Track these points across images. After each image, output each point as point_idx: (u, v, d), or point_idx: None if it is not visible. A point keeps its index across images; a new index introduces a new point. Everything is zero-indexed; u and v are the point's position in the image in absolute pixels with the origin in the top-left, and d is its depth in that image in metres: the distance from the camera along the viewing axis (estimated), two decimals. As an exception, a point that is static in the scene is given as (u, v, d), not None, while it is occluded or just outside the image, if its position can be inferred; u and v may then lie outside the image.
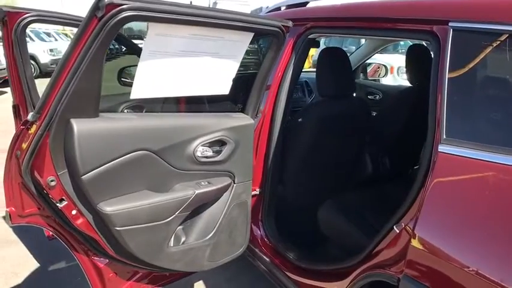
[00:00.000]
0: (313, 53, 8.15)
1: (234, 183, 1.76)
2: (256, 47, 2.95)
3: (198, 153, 1.56)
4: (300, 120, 2.07)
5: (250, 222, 1.94)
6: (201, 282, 2.54)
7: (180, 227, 1.67)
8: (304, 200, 2.24)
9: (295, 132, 2.10)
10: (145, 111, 1.82)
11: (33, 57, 9.59)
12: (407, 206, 1.30)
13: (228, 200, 1.75)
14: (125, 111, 1.89)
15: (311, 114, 2.08)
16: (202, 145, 1.56)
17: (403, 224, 1.29)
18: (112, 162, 1.29)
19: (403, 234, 1.26)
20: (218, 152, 1.64)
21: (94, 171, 1.25)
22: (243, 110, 1.80)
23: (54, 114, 1.16)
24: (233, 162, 1.71)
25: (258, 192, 2.08)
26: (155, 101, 1.68)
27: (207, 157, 1.60)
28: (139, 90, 1.34)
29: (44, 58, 10.26)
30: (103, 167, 1.27)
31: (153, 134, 1.39)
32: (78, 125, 1.20)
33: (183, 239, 1.67)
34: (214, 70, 1.52)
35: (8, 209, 1.33)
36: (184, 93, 1.49)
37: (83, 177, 1.24)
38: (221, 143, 1.65)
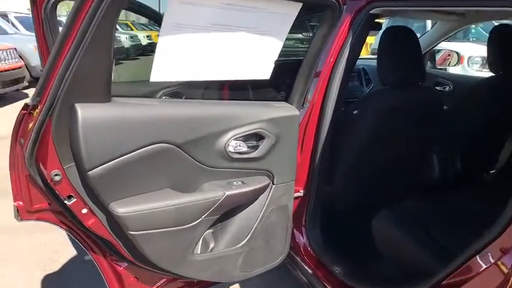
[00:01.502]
0: (372, 41, 7.57)
1: (273, 184, 1.51)
2: (311, 35, 2.64)
3: (230, 148, 1.32)
4: (355, 112, 1.76)
5: (291, 228, 1.68)
6: (236, 286, 2.34)
7: (209, 231, 1.46)
8: (356, 206, 1.93)
9: (349, 125, 1.79)
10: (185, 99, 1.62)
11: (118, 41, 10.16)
12: (498, 230, 0.97)
13: (265, 203, 1.51)
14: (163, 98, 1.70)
15: (369, 105, 1.75)
16: (235, 139, 1.32)
17: (491, 254, 0.96)
18: (126, 156, 1.09)
19: (492, 270, 0.93)
20: (254, 148, 1.39)
21: (103, 166, 1.06)
22: (286, 99, 1.54)
23: (55, 98, 0.98)
24: (272, 159, 1.45)
25: (301, 194, 1.81)
26: (196, 86, 1.46)
27: (240, 153, 1.36)
28: (160, 72, 1.12)
29: (126, 43, 10.75)
30: (114, 161, 1.08)
31: (176, 124, 1.17)
32: (83, 111, 1.00)
33: (211, 246, 1.45)
34: (252, 49, 1.27)
35: (15, 204, 1.18)
36: (214, 77, 1.25)
37: (89, 172, 1.05)
38: (258, 137, 1.40)
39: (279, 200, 1.56)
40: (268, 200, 1.51)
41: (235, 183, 1.38)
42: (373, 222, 1.69)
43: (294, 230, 1.85)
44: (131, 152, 1.10)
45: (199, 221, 1.31)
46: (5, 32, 7.79)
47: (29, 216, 1.22)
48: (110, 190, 1.12)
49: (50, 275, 2.39)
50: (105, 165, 1.07)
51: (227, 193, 1.33)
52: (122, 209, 1.13)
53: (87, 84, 0.99)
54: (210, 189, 1.32)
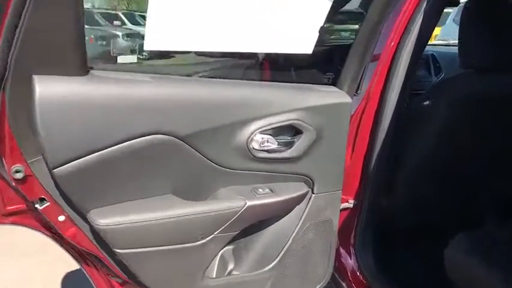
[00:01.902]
0: (438, 32, 6.81)
1: (313, 192, 1.17)
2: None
3: (255, 145, 1.00)
4: (426, 103, 1.36)
5: (335, 248, 1.33)
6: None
7: (228, 248, 1.15)
8: (421, 225, 1.53)
9: (417, 121, 1.39)
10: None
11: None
12: None
13: (301, 216, 1.17)
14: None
15: (446, 94, 1.34)
16: (261, 132, 1.00)
17: None
18: (108, 151, 0.81)
19: None
20: (288, 145, 1.05)
21: (74, 162, 0.78)
22: (334, 83, 1.18)
23: (6, 66, 0.71)
24: (312, 161, 1.11)
25: (351, 205, 1.44)
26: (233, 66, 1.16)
27: (268, 151, 1.03)
28: (157, 39, 0.82)
29: None
30: (91, 156, 0.80)
31: (180, 109, 0.87)
32: (42, 86, 0.73)
33: (230, 268, 1.14)
34: (286, 11, 0.93)
35: (-15, 204, 0.95)
36: (235, 48, 0.94)
37: (55, 170, 0.78)
38: (294, 130, 1.06)
39: (321, 214, 1.21)
40: (305, 213, 1.17)
41: (261, 190, 1.05)
42: (445, 250, 1.28)
43: (340, 249, 1.49)
44: (115, 145, 0.82)
45: (211, 238, 1.01)
46: None
47: (3, 220, 0.98)
48: (87, 194, 0.84)
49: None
50: (77, 161, 0.79)
51: (249, 203, 1.01)
52: (104, 219, 0.85)
53: (49, 48, 0.72)
54: (226, 197, 1.01)
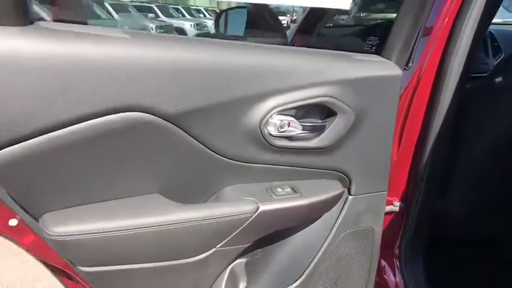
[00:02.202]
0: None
1: (350, 194, 0.90)
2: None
3: (272, 130, 0.74)
4: (498, 79, 1.04)
5: (377, 263, 1.06)
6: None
7: (240, 262, 0.90)
8: (487, 233, 1.22)
9: (485, 104, 1.08)
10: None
11: (181, 30, 9.99)
12: None
13: (334, 224, 0.91)
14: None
15: None
16: (280, 113, 0.73)
17: None
18: (60, 132, 0.58)
19: None
20: (317, 130, 0.79)
21: (10, 148, 0.55)
22: (378, 51, 0.90)
23: None
24: (350, 152, 0.84)
25: (396, 208, 1.16)
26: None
27: (290, 138, 0.76)
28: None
29: (190, 32, 10.92)
30: (34, 140, 0.56)
31: (166, 77, 0.62)
32: None
33: (241, 286, 0.89)
34: None
35: None
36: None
37: None
38: (325, 111, 0.79)
39: (359, 220, 0.94)
40: (339, 220, 0.91)
41: (279, 190, 0.79)
42: None
43: (381, 262, 1.21)
44: (71, 125, 0.58)
45: (212, 253, 0.76)
46: None
47: None
48: (35, 192, 0.62)
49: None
50: (15, 146, 0.56)
51: (263, 207, 0.75)
52: (59, 227, 0.62)
53: None
54: (232, 199, 0.76)
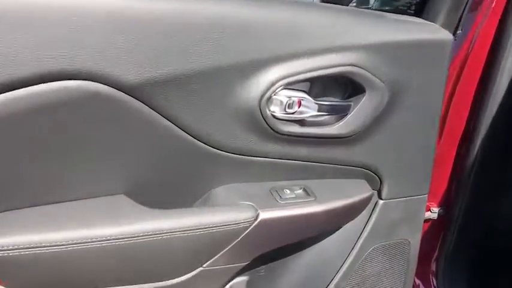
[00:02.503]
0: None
1: (381, 197, 0.70)
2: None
3: (276, 109, 0.55)
4: None
5: (412, 283, 0.86)
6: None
7: (241, 280, 0.71)
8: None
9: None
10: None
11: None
12: None
13: (360, 236, 0.71)
14: None
15: None
16: (287, 87, 0.54)
17: None
18: None
19: None
20: (337, 112, 0.59)
21: None
22: (419, 12, 0.69)
23: None
24: (381, 143, 0.64)
25: (435, 215, 0.95)
26: None
27: (302, 122, 0.57)
28: None
29: None
30: None
31: (126, 31, 0.44)
32: None
33: None
34: None
35: None
36: None
37: None
38: (349, 86, 0.59)
39: (392, 231, 0.74)
40: (367, 231, 0.71)
41: (287, 191, 0.60)
42: None
43: (414, 279, 1.00)
44: None
45: (196, 273, 0.57)
46: None
47: None
48: None
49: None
50: None
51: (264, 214, 0.56)
52: None
53: None
54: (224, 204, 0.57)
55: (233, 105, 0.52)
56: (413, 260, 0.81)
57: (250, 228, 0.55)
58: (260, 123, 0.54)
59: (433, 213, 0.95)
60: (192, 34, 0.47)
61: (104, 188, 0.52)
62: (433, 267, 1.01)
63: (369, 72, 0.57)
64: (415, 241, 0.78)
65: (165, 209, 0.54)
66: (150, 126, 0.49)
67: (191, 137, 0.52)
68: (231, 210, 0.55)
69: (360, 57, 0.56)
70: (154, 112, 0.49)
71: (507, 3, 0.79)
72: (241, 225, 0.54)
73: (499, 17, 0.80)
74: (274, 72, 0.52)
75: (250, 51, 0.50)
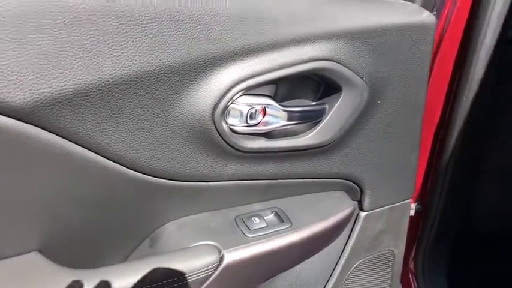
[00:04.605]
0: None
1: (362, 209, 0.60)
2: None
3: (234, 121, 0.42)
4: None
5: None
6: None
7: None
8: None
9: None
10: None
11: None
12: None
13: (341, 254, 0.61)
14: None
15: None
16: (248, 92, 0.42)
17: None
18: None
19: None
20: (310, 118, 0.48)
21: None
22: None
23: None
24: (360, 148, 0.54)
25: (412, 212, 0.88)
26: None
27: (268, 135, 0.45)
28: None
29: None
30: None
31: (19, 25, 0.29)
32: None
33: None
34: None
35: None
36: None
37: None
38: (321, 84, 0.48)
39: (376, 244, 0.65)
40: (349, 247, 0.61)
41: (255, 220, 0.48)
42: None
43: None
44: None
45: None
46: None
47: None
48: None
49: None
50: None
51: (229, 256, 0.44)
52: None
53: None
54: (176, 245, 0.44)
55: (178, 120, 0.39)
56: (398, 269, 0.73)
57: (213, 277, 0.43)
58: (216, 141, 0.42)
59: (411, 209, 0.88)
60: (109, 29, 0.33)
61: (12, 246, 0.38)
62: (412, 266, 0.95)
63: (345, 67, 0.46)
64: (399, 250, 0.70)
65: (95, 265, 0.40)
66: (63, 160, 0.35)
67: (124, 168, 0.39)
68: (187, 256, 0.42)
69: (335, 48, 0.45)
70: (67, 141, 0.35)
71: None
72: (201, 275, 0.42)
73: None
74: (229, 74, 0.40)
75: (196, 47, 0.37)
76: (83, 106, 0.34)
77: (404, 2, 0.56)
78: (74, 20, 0.32)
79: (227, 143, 0.42)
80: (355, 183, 0.58)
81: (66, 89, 0.32)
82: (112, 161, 0.38)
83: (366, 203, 0.60)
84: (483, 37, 0.71)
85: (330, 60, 0.45)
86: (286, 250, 0.48)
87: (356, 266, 0.64)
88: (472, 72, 0.74)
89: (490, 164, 0.91)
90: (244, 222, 0.47)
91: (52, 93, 0.32)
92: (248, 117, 0.42)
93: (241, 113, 0.42)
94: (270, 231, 0.47)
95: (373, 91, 0.50)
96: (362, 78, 0.48)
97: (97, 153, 0.37)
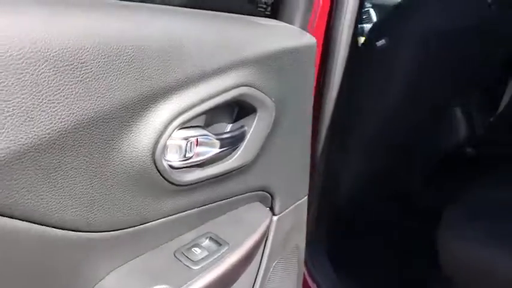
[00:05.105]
0: None
1: (274, 214, 0.65)
2: None
3: (173, 157, 0.41)
4: (381, 43, 0.94)
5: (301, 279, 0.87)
6: None
7: None
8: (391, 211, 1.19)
9: (371, 69, 0.98)
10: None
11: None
12: None
13: (261, 259, 0.65)
14: None
15: (408, 27, 0.94)
16: (183, 126, 0.41)
17: None
18: None
19: None
20: (237, 141, 0.50)
21: None
22: (275, 14, 0.65)
23: None
24: (270, 160, 0.59)
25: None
26: None
27: (201, 165, 0.46)
28: None
29: None
30: None
31: None
32: None
33: None
34: None
35: None
36: None
37: None
38: (235, 107, 0.51)
39: (286, 243, 0.71)
40: (268, 252, 0.65)
41: (196, 251, 0.48)
42: (438, 232, 0.93)
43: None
44: None
45: None
46: None
47: None
48: None
49: None
50: None
51: None
52: None
53: None
54: None
55: (119, 167, 0.36)
56: (301, 262, 0.81)
57: None
58: (156, 180, 0.40)
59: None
60: (42, 78, 0.29)
61: None
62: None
63: (259, 90, 0.50)
64: (302, 244, 0.78)
65: None
66: None
67: (63, 230, 0.34)
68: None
69: (250, 74, 0.48)
70: None
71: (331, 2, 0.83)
72: None
73: (327, 14, 0.84)
74: (165, 111, 0.39)
75: (131, 87, 0.35)
76: (16, 171, 0.29)
77: (285, 24, 0.62)
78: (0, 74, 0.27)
79: (167, 181, 0.41)
80: (267, 192, 0.62)
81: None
82: (49, 226, 0.33)
83: (277, 207, 0.65)
84: (338, 50, 0.83)
85: (248, 86, 0.48)
86: (231, 271, 0.49)
87: (274, 267, 0.69)
88: (333, 67, 0.84)
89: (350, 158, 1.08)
90: (185, 255, 0.47)
91: None
92: (185, 151, 0.42)
93: (180, 148, 0.41)
94: (213, 258, 0.48)
95: (278, 109, 0.55)
96: (271, 99, 0.53)
97: (32, 222, 0.31)
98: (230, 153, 0.49)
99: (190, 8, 0.48)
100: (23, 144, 0.28)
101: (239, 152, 0.50)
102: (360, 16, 0.89)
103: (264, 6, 0.66)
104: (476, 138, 1.39)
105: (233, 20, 0.52)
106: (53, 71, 0.30)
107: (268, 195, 0.63)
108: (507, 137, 1.39)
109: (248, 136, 0.51)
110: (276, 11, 0.66)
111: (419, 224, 1.08)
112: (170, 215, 0.45)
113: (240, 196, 0.57)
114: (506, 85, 1.58)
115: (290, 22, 0.65)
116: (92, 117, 0.33)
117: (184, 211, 0.47)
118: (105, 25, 0.34)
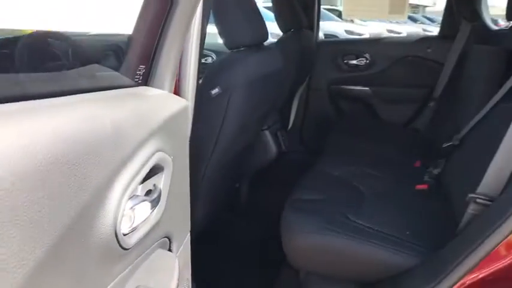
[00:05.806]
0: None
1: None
2: None
3: (126, 226, 0.48)
4: (215, 91, 1.13)
5: None
6: None
7: None
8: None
9: (211, 114, 1.16)
10: None
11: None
12: None
13: None
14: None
15: (240, 75, 1.17)
16: (131, 196, 0.48)
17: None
18: None
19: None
20: (156, 202, 0.58)
21: None
22: (146, 81, 0.75)
23: None
24: (171, 207, 0.69)
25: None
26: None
27: (138, 226, 0.53)
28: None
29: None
30: None
31: None
32: None
33: None
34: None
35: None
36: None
37: None
38: (155, 171, 0.60)
39: (182, 278, 0.80)
40: None
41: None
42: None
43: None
44: None
45: None
46: None
47: None
48: None
49: None
50: None
51: None
52: None
53: None
54: None
55: (87, 245, 0.41)
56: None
57: None
58: (115, 250, 0.46)
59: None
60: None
61: None
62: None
63: (165, 152, 0.60)
64: (189, 276, 0.88)
65: None
66: None
67: None
68: None
69: (159, 140, 0.58)
70: None
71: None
72: None
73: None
74: (118, 188, 0.45)
75: (84, 187, 0.40)
76: None
77: (164, 92, 0.73)
78: None
79: (121, 247, 0.47)
80: (168, 237, 0.71)
81: None
82: None
83: (174, 248, 0.74)
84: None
85: (161, 151, 0.58)
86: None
87: None
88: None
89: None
90: None
91: None
92: (134, 218, 0.49)
93: (130, 217, 0.48)
94: None
95: (173, 164, 0.66)
96: (171, 157, 0.63)
97: None
98: (153, 211, 0.57)
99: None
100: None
101: (156, 208, 0.58)
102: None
103: (140, 77, 0.74)
104: (281, 152, 1.78)
105: (130, 96, 0.60)
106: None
107: (167, 239, 0.71)
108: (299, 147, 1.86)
109: (162, 192, 0.60)
110: (146, 80, 0.75)
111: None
112: (118, 276, 0.50)
113: (153, 246, 0.64)
114: (291, 104, 2.09)
115: (161, 87, 0.75)
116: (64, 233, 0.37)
117: (124, 270, 0.52)
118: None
